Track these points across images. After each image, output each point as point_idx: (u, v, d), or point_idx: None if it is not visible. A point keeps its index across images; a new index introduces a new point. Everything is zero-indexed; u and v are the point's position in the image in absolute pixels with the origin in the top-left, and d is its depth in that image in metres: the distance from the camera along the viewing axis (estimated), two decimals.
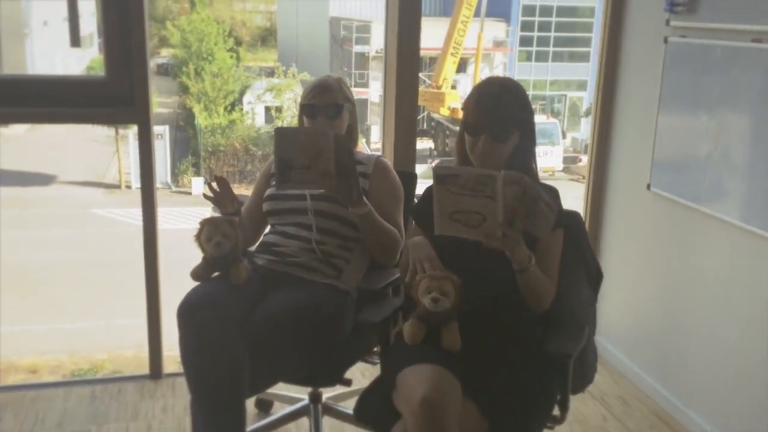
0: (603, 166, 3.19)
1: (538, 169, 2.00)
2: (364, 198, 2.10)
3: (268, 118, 19.91)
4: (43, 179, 16.03)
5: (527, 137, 1.95)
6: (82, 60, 17.43)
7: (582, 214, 3.14)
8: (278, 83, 19.83)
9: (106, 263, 11.07)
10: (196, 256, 2.12)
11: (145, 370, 2.92)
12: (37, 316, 9.79)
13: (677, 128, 2.74)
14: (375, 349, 2.27)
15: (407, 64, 2.92)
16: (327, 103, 2.24)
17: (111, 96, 2.69)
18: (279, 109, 19.55)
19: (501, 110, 1.89)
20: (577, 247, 2.01)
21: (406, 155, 2.98)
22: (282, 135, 2.03)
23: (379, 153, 2.66)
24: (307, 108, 2.26)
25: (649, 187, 2.86)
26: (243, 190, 16.41)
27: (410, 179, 2.48)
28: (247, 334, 1.95)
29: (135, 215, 2.82)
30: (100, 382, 2.94)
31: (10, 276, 10.55)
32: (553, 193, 1.91)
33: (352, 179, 2.03)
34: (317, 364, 2.07)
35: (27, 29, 14.60)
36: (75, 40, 2.59)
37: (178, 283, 2.19)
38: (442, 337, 1.80)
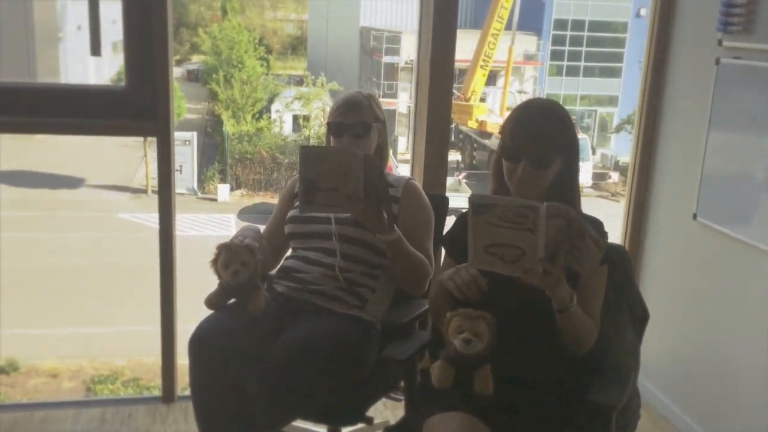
0: (645, 195, 3.01)
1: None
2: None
3: (296, 127, 19.90)
4: (72, 182, 16.16)
5: (570, 163, 1.81)
6: (115, 65, 17.54)
7: (620, 244, 2.97)
8: (307, 92, 19.82)
9: (129, 267, 11.07)
10: None
11: None
12: (59, 320, 9.79)
13: (727, 156, 2.57)
14: (400, 384, 2.13)
15: (440, 78, 2.77)
16: (355, 121, 2.10)
17: (131, 107, 2.59)
18: (307, 118, 19.54)
19: (543, 135, 1.75)
20: (621, 285, 1.86)
21: (437, 174, 2.84)
22: (307, 154, 1.90)
23: (408, 175, 2.51)
24: (333, 125, 2.13)
25: (695, 216, 2.69)
26: (269, 198, 16.41)
27: (442, 203, 2.33)
28: (263, 368, 1.81)
29: None
30: (112, 403, 2.84)
31: (35, 279, 10.59)
32: (598, 226, 1.76)
33: (385, 204, 1.90)
34: (337, 401, 1.93)
35: (61, 33, 14.71)
36: (96, 49, 2.48)
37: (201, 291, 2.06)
38: (474, 380, 1.66)
